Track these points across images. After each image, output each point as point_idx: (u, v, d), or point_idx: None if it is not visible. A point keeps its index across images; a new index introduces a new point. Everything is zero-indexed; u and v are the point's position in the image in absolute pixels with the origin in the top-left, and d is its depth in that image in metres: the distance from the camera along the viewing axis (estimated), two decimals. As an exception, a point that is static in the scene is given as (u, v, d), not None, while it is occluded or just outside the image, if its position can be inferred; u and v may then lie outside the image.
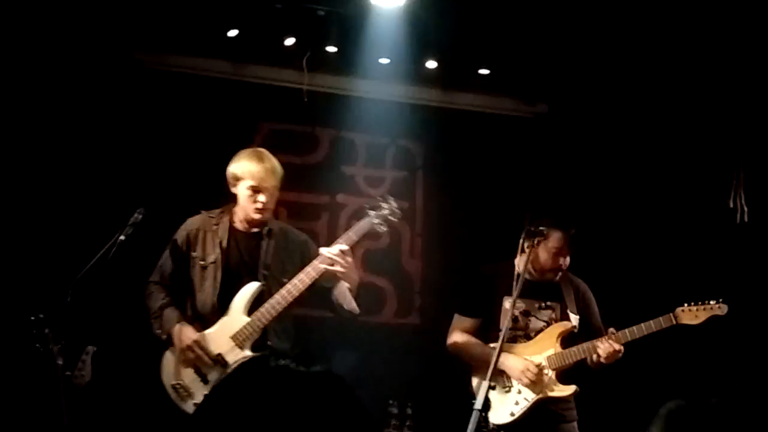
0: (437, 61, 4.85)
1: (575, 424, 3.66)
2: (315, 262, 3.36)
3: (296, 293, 3.34)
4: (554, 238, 3.61)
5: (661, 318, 3.48)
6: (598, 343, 3.51)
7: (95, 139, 4.54)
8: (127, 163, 4.58)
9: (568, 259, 3.65)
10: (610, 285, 3.63)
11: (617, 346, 3.47)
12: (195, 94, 4.80)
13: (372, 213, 3.51)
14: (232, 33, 4.54)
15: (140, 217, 3.44)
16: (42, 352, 3.23)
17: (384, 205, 3.54)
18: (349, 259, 3.34)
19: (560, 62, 4.72)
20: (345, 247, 3.33)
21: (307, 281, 3.34)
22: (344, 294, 3.45)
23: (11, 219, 4.32)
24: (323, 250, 3.35)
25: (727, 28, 3.97)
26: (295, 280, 3.35)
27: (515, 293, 3.34)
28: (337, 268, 3.31)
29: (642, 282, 3.50)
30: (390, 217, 3.53)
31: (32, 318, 3.20)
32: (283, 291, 3.35)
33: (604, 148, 5.07)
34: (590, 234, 4.66)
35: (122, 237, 3.38)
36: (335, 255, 3.30)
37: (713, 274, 4.25)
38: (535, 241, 3.59)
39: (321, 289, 3.49)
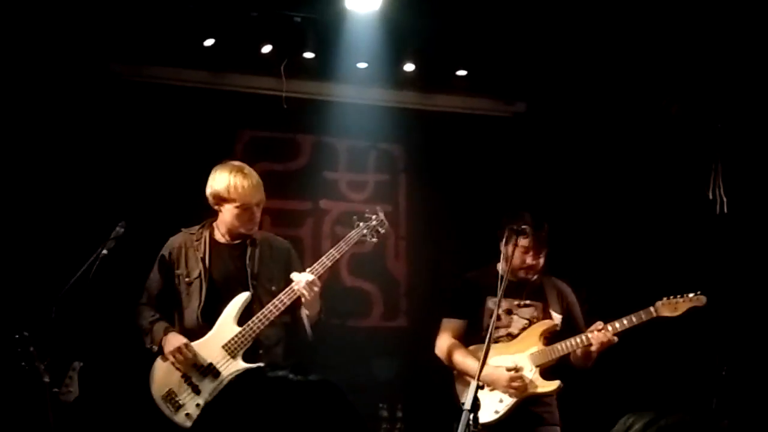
0: (414, 63, 4.87)
1: (558, 429, 3.69)
2: (289, 288, 3.39)
3: (282, 307, 3.39)
4: (525, 239, 3.66)
5: (641, 312, 3.54)
6: (591, 334, 3.54)
7: (74, 154, 4.51)
8: (109, 177, 4.55)
9: (541, 259, 3.69)
10: (591, 281, 3.67)
11: (611, 335, 3.51)
12: (173, 105, 4.77)
13: (361, 224, 3.59)
14: (209, 42, 4.53)
15: (122, 230, 3.43)
16: (28, 370, 3.20)
17: (373, 216, 3.62)
18: (316, 288, 3.38)
19: (537, 61, 4.75)
20: (312, 278, 3.36)
21: (286, 301, 3.39)
22: (304, 318, 3.48)
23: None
24: (296, 277, 3.37)
25: (702, 21, 4.02)
26: (281, 296, 3.39)
27: (500, 292, 3.36)
28: (306, 295, 3.35)
29: (623, 277, 3.54)
30: (378, 229, 3.61)
31: (17, 336, 3.17)
32: (270, 305, 3.38)
33: (583, 144, 5.11)
34: (570, 230, 4.71)
35: (104, 251, 3.36)
36: (308, 282, 3.33)
37: (693, 267, 4.29)
38: (510, 242, 3.66)
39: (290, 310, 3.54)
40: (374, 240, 3.64)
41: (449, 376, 3.83)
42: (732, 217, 4.27)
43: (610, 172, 5.04)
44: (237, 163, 3.57)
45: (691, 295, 3.53)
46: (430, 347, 3.94)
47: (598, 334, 3.54)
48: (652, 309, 3.53)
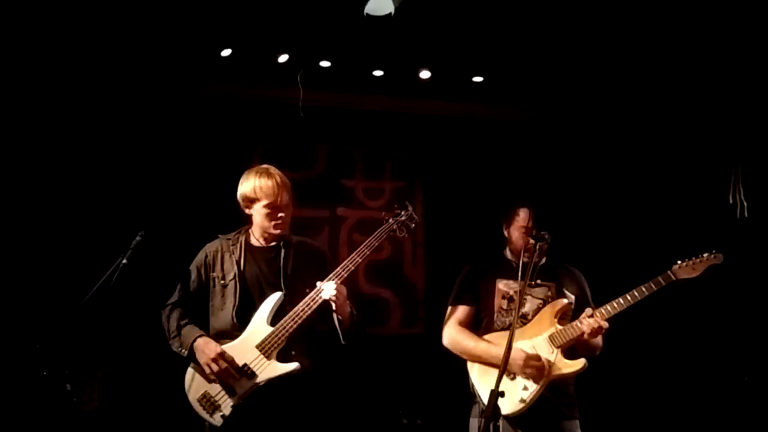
0: (430, 70, 4.87)
1: (577, 423, 3.59)
2: (315, 292, 3.38)
3: (315, 306, 3.37)
4: (522, 217, 3.64)
5: (659, 277, 3.43)
6: (583, 320, 3.47)
7: (95, 164, 4.55)
8: (130, 187, 4.59)
9: (545, 243, 3.63)
10: (610, 285, 3.62)
11: (603, 323, 3.44)
12: (192, 116, 4.81)
13: (391, 220, 3.57)
14: (226, 53, 4.56)
15: (142, 239, 3.45)
16: (49, 379, 3.22)
17: (402, 212, 3.60)
18: (344, 292, 3.37)
19: (556, 66, 4.74)
20: (334, 285, 3.36)
21: (314, 306, 3.39)
22: (336, 322, 3.47)
23: (13, 243, 4.32)
24: (323, 286, 3.37)
25: (722, 24, 3.99)
26: (302, 302, 3.39)
27: (526, 278, 3.32)
28: (336, 300, 3.35)
29: (642, 279, 3.47)
30: (408, 223, 3.59)
31: (38, 345, 3.19)
32: (302, 304, 3.38)
33: (603, 148, 5.09)
34: (588, 236, 4.69)
35: (125, 260, 3.38)
36: (334, 288, 3.33)
37: (714, 271, 4.24)
38: (509, 223, 3.65)
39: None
40: (404, 235, 3.61)
41: (467, 381, 3.78)
42: (752, 222, 4.23)
43: (628, 176, 5.02)
44: (264, 165, 3.61)
45: (706, 255, 3.45)
46: (449, 354, 3.91)
47: (588, 321, 3.45)
48: (670, 273, 3.44)
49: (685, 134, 4.71)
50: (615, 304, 3.45)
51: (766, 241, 4.54)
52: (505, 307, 3.64)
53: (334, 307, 3.39)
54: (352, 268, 3.41)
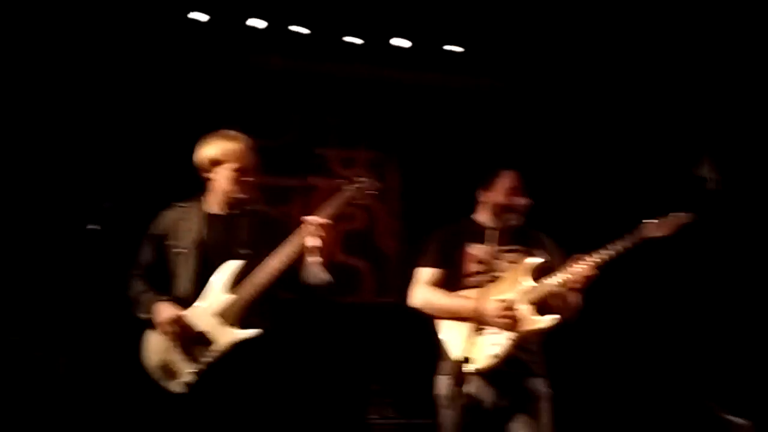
0: (407, 39, 4.83)
1: (544, 379, 3.62)
2: (294, 237, 3.35)
3: (278, 268, 3.33)
4: (507, 179, 3.64)
5: (627, 236, 3.39)
6: (571, 266, 3.46)
7: (60, 133, 4.48)
8: (98, 154, 4.52)
9: (525, 202, 3.65)
10: (582, 251, 3.64)
11: (589, 270, 3.42)
12: (161, 81, 4.73)
13: (351, 186, 3.53)
14: (197, 16, 4.48)
15: (109, 207, 3.42)
16: (20, 345, 3.20)
17: (361, 179, 3.56)
18: (324, 236, 3.33)
19: (531, 37, 4.73)
20: (324, 221, 3.32)
21: (288, 255, 3.33)
22: (311, 269, 3.42)
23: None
24: (308, 219, 3.33)
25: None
26: (276, 256, 3.35)
27: (496, 240, 3.33)
28: (316, 240, 3.30)
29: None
30: (367, 189, 3.54)
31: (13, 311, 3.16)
32: (265, 267, 3.35)
33: (578, 117, 5.11)
34: (557, 211, 4.72)
35: (93, 227, 3.35)
36: (318, 224, 3.28)
37: (681, 242, 4.28)
38: (491, 187, 3.66)
39: (291, 275, 3.49)
40: (364, 202, 3.59)
41: (435, 340, 3.78)
42: (721, 197, 4.27)
43: (601, 149, 5.05)
44: (229, 130, 3.56)
45: (675, 213, 3.48)
46: (421, 323, 3.92)
47: (577, 267, 3.41)
48: (639, 231, 3.40)
49: (656, 104, 4.73)
50: (596, 256, 3.46)
51: (736, 212, 4.61)
52: (475, 270, 3.65)
53: (308, 248, 3.35)
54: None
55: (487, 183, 3.74)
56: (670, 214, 3.46)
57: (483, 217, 3.76)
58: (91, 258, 3.39)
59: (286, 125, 5.12)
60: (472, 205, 3.95)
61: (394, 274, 5.21)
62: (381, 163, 5.29)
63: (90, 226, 3.33)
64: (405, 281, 5.07)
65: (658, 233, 3.43)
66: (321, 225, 3.29)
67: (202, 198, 3.56)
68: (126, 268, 3.57)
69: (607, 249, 3.43)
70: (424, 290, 3.72)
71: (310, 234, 3.29)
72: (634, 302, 4.76)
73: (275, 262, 3.33)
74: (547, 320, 3.50)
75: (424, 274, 3.75)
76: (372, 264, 5.19)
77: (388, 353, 4.88)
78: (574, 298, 3.56)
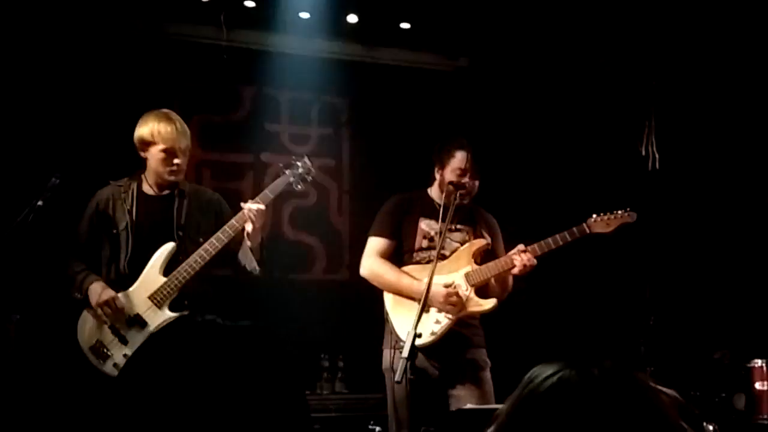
0: (358, 15, 4.82)
1: (484, 351, 3.75)
2: (232, 221, 3.37)
3: (213, 252, 3.36)
4: (458, 159, 3.71)
5: (574, 228, 3.54)
6: (515, 255, 3.60)
7: (6, 106, 4.37)
8: (41, 128, 4.42)
9: (476, 183, 3.73)
10: (527, 235, 3.73)
11: (533, 260, 3.54)
12: (113, 55, 4.64)
13: (287, 172, 3.56)
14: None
15: (57, 181, 3.37)
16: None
17: (299, 163, 3.59)
18: (263, 219, 3.38)
19: (480, 16, 4.76)
20: (262, 206, 3.35)
21: (224, 239, 3.36)
22: (246, 253, 3.48)
23: None
24: (246, 205, 3.36)
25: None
26: (212, 239, 3.36)
27: (448, 220, 3.40)
28: (254, 224, 3.33)
29: (556, 227, 3.59)
30: (305, 176, 3.59)
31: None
32: (200, 250, 3.36)
33: (524, 99, 5.18)
34: (510, 184, 4.81)
35: (40, 202, 3.30)
36: (256, 210, 3.32)
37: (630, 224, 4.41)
38: (443, 165, 3.72)
39: (229, 253, 3.52)
40: (300, 188, 3.62)
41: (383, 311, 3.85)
42: (664, 174, 4.40)
43: (548, 127, 5.13)
44: (164, 110, 3.53)
45: (620, 211, 3.58)
46: (372, 299, 3.98)
47: (520, 256, 3.55)
48: (585, 226, 3.54)
49: (600, 87, 4.82)
50: (537, 248, 3.56)
51: (676, 191, 4.74)
52: (425, 246, 3.72)
53: (248, 232, 3.38)
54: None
55: (439, 160, 3.80)
56: (616, 212, 3.58)
57: (435, 192, 3.82)
58: (35, 233, 3.35)
59: (236, 101, 5.08)
60: (425, 181, 4.01)
61: (345, 251, 5.24)
62: (333, 140, 5.30)
63: (37, 202, 3.28)
64: (356, 258, 5.15)
65: (602, 230, 3.55)
66: (257, 211, 3.32)
67: (141, 176, 3.54)
68: (65, 245, 3.55)
69: (549, 241, 3.54)
70: (373, 261, 3.77)
71: (245, 220, 3.33)
72: (572, 279, 4.88)
73: (209, 246, 3.35)
74: (489, 304, 3.63)
75: (375, 243, 3.80)
76: (324, 241, 5.20)
77: (339, 329, 4.92)
78: (511, 282, 3.68)
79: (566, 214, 3.64)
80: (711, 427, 3.83)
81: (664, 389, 1.08)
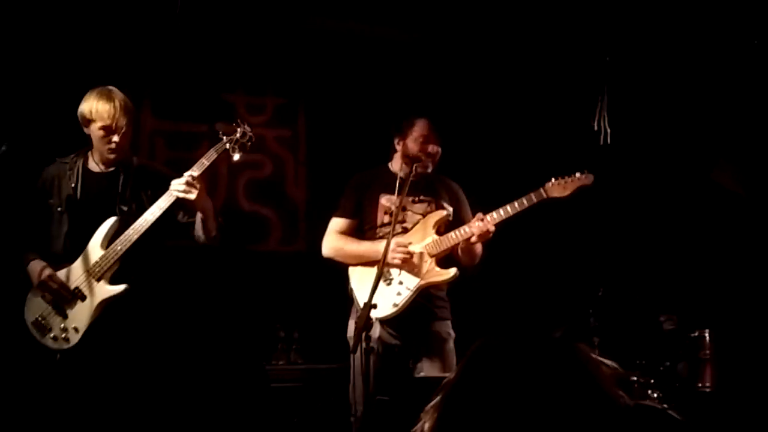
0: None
1: (449, 323, 3.81)
2: (161, 199, 3.37)
3: (148, 224, 3.35)
4: (419, 126, 3.74)
5: (531, 194, 3.55)
6: (472, 224, 3.61)
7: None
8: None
9: (438, 150, 3.76)
10: (486, 206, 3.78)
11: (490, 225, 3.58)
12: (64, 22, 4.52)
13: (224, 138, 3.54)
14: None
15: (4, 149, 3.33)
16: None
17: (237, 129, 3.57)
18: (199, 186, 3.35)
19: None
20: (195, 173, 3.35)
21: (157, 213, 3.36)
22: (199, 224, 3.49)
23: None
24: (173, 182, 3.36)
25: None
26: (148, 211, 3.36)
27: (404, 191, 3.43)
28: (188, 195, 3.33)
29: (510, 199, 3.63)
30: (244, 143, 3.57)
31: None
32: (135, 224, 3.35)
33: (479, 73, 5.21)
34: (465, 156, 4.84)
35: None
36: (184, 182, 3.32)
37: (580, 196, 4.49)
38: (404, 135, 3.74)
39: (184, 225, 3.52)
40: (239, 155, 3.59)
41: (345, 298, 3.89)
42: (615, 149, 4.47)
43: (501, 100, 5.17)
44: (108, 87, 3.50)
45: (578, 174, 3.59)
46: (328, 271, 4.00)
47: (478, 224, 3.57)
48: (542, 190, 3.55)
49: (553, 62, 4.86)
50: (495, 214, 3.60)
51: (628, 165, 4.84)
52: (386, 221, 3.75)
53: (193, 204, 3.37)
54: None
55: (399, 131, 3.81)
56: (573, 174, 3.61)
57: (396, 165, 3.84)
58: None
59: (192, 71, 5.00)
60: (385, 153, 4.02)
61: (301, 223, 5.24)
62: (289, 110, 5.26)
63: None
64: (313, 229, 5.15)
65: (560, 194, 3.59)
66: (186, 184, 3.31)
67: (83, 153, 3.53)
68: (8, 223, 3.51)
69: (507, 208, 3.58)
70: (332, 238, 3.80)
71: (179, 191, 3.32)
72: (524, 251, 4.97)
73: (143, 221, 3.35)
74: (449, 273, 3.67)
75: (335, 223, 3.84)
76: (280, 212, 5.19)
77: (295, 301, 4.94)
78: (479, 250, 3.73)
79: (523, 185, 3.69)
80: (655, 395, 3.97)
81: (605, 360, 1.12)
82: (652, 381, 4.09)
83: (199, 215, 3.47)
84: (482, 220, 3.59)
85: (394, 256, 3.59)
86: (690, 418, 1.04)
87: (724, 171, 3.78)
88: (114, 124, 3.38)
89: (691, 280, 4.18)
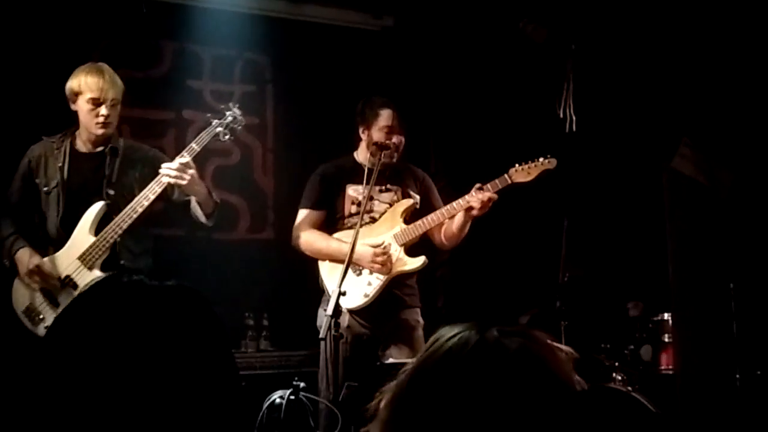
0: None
1: (418, 310, 3.85)
2: (157, 178, 3.34)
3: (141, 210, 3.32)
4: (384, 117, 3.76)
5: (496, 180, 3.62)
6: (470, 196, 3.61)
7: None
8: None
9: (402, 139, 3.79)
10: (453, 193, 3.81)
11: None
12: (27, 12, 4.43)
13: (215, 122, 3.53)
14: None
15: None
16: None
17: (227, 113, 3.56)
18: (191, 171, 3.33)
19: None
20: (185, 159, 3.33)
21: (151, 197, 3.33)
22: (195, 207, 3.48)
23: None
24: (164, 165, 3.34)
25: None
26: (139, 197, 3.33)
27: (372, 181, 3.45)
28: (180, 181, 3.30)
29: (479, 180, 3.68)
30: (233, 125, 3.56)
31: None
32: (127, 208, 3.32)
33: (447, 60, 5.23)
34: (433, 141, 4.88)
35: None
36: (175, 168, 3.29)
37: (546, 183, 4.54)
38: (368, 124, 3.76)
39: (179, 204, 3.50)
40: (229, 138, 3.59)
41: (314, 286, 3.91)
42: (580, 137, 4.53)
43: (470, 88, 5.20)
44: (99, 63, 3.47)
45: (542, 159, 3.66)
46: (296, 258, 4.01)
47: (479, 193, 3.58)
48: (506, 176, 3.63)
49: (519, 49, 4.89)
50: (461, 201, 3.64)
51: (593, 153, 4.91)
52: (354, 211, 3.77)
53: (185, 189, 3.35)
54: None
55: (364, 121, 3.82)
56: (536, 159, 3.67)
57: (362, 155, 3.86)
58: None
59: (157, 57, 4.95)
60: (351, 142, 4.03)
61: (270, 211, 5.23)
62: (257, 98, 5.24)
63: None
64: (281, 217, 5.14)
65: (524, 179, 3.65)
66: (177, 169, 3.29)
67: (70, 132, 3.46)
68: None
69: (473, 194, 3.62)
70: (303, 233, 3.82)
71: (162, 184, 3.30)
72: (490, 239, 5.02)
73: (136, 205, 3.32)
74: (418, 262, 3.72)
75: (303, 215, 3.85)
76: (248, 200, 5.17)
77: (264, 288, 4.93)
78: (466, 230, 3.74)
79: (490, 173, 3.73)
80: (619, 377, 4.06)
81: (561, 346, 1.15)
82: (616, 364, 4.19)
83: (193, 198, 3.44)
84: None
85: (373, 265, 3.62)
86: (653, 400, 1.07)
87: (686, 159, 3.86)
88: (102, 96, 3.33)
89: (655, 265, 4.27)
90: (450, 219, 3.71)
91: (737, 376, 3.82)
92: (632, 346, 4.40)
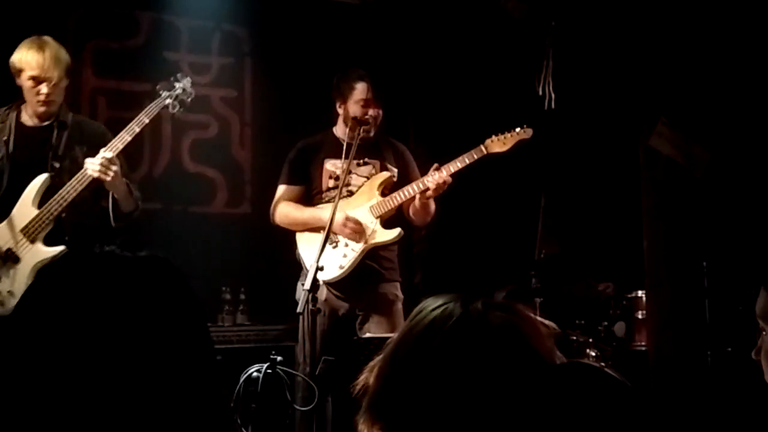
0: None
1: (398, 284, 3.86)
2: (79, 174, 3.27)
3: (80, 187, 3.24)
4: (359, 90, 3.75)
5: (472, 151, 3.63)
6: (427, 177, 3.63)
7: None
8: None
9: (380, 112, 3.77)
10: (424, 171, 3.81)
11: (447, 177, 3.60)
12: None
13: (164, 94, 3.47)
14: None
15: None
16: None
17: (177, 84, 3.50)
18: (115, 167, 3.26)
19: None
20: (109, 155, 3.24)
21: (79, 188, 3.26)
22: (113, 203, 3.39)
23: None
24: (88, 160, 3.26)
25: None
26: (78, 175, 3.26)
27: (351, 157, 3.44)
28: (104, 177, 3.23)
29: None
30: (183, 97, 3.50)
31: None
32: (72, 181, 3.26)
33: (427, 35, 5.20)
34: (412, 115, 4.87)
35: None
36: (98, 164, 3.21)
37: (524, 161, 4.55)
38: (344, 98, 3.74)
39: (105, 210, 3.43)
40: (178, 110, 3.53)
41: (291, 259, 3.90)
42: (559, 114, 4.54)
43: (450, 63, 5.18)
44: (44, 37, 3.36)
45: (518, 129, 3.67)
46: (274, 233, 4.00)
47: (434, 176, 3.60)
48: (482, 147, 3.63)
49: (498, 26, 4.88)
50: (443, 170, 3.65)
51: (572, 130, 4.92)
52: (332, 185, 3.77)
53: (105, 184, 3.30)
54: (120, 146, 3.31)
55: (340, 95, 3.80)
56: (512, 130, 3.68)
57: (340, 129, 3.85)
58: None
59: (134, 27, 4.87)
60: (329, 116, 4.00)
61: (247, 185, 5.20)
62: (235, 70, 5.18)
63: None
64: (259, 191, 5.11)
65: (500, 150, 3.66)
66: (100, 165, 3.22)
67: (16, 106, 3.41)
68: None
69: (448, 166, 3.63)
70: (279, 206, 3.81)
71: (94, 170, 3.23)
72: (467, 214, 5.04)
73: (75, 182, 3.26)
74: (393, 233, 3.72)
75: (281, 191, 3.85)
76: (225, 173, 5.14)
77: (241, 262, 4.92)
78: (432, 207, 3.76)
79: (468, 148, 3.73)
80: (593, 353, 4.12)
81: (544, 320, 1.16)
82: (590, 340, 4.24)
83: (112, 195, 3.35)
84: (438, 170, 3.62)
85: (344, 230, 3.62)
86: (626, 375, 1.08)
87: (663, 138, 3.89)
88: (42, 75, 3.26)
89: (630, 242, 4.31)
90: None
91: (708, 353, 3.88)
92: (606, 323, 4.46)
